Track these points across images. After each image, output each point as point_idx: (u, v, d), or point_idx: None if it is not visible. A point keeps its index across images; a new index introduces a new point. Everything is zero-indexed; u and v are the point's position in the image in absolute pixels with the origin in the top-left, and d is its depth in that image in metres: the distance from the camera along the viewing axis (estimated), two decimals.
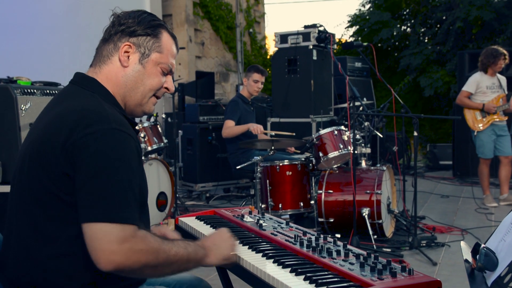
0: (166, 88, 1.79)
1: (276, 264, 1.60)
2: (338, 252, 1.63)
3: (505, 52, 6.15)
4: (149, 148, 5.49)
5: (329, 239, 1.78)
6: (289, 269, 1.54)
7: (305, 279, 1.46)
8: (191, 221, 2.22)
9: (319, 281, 1.42)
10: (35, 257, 1.54)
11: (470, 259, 1.49)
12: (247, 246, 1.79)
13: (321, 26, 6.42)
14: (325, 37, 5.88)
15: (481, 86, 6.17)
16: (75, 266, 1.53)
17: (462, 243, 1.61)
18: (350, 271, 1.47)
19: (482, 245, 1.42)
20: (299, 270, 1.51)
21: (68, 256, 1.53)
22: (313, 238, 1.80)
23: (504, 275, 1.28)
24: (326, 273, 1.50)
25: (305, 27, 6.55)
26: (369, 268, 1.47)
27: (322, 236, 1.81)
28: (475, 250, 1.45)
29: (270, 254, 1.66)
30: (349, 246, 1.68)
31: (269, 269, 1.56)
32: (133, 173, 1.52)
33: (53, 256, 1.53)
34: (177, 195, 5.74)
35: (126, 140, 1.53)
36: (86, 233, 1.43)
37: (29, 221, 1.55)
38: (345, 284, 1.40)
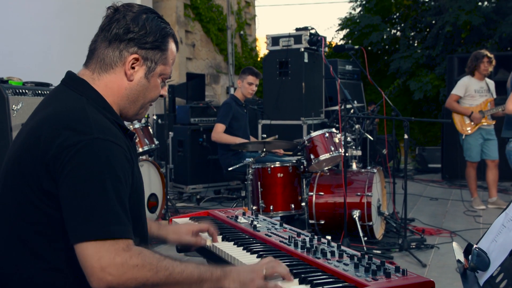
0: (160, 95, 1.74)
1: None
2: (333, 253, 1.64)
3: (488, 54, 6.20)
4: (140, 150, 5.47)
5: (323, 240, 1.80)
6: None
7: (300, 280, 1.48)
8: (185, 222, 2.22)
9: (314, 281, 1.44)
10: (22, 271, 1.48)
11: (462, 259, 1.51)
12: (242, 247, 1.81)
13: (312, 29, 6.45)
14: (317, 40, 5.91)
15: (470, 90, 6.23)
16: (65, 281, 1.47)
17: (454, 244, 1.63)
18: (345, 271, 1.48)
19: (474, 246, 1.44)
20: (294, 270, 1.53)
21: (57, 271, 1.47)
22: (307, 239, 1.81)
23: (496, 275, 1.30)
24: (321, 273, 1.51)
25: (297, 29, 6.58)
26: (364, 268, 1.49)
27: (316, 237, 1.82)
28: (467, 251, 1.47)
29: (265, 255, 1.67)
30: (343, 247, 1.69)
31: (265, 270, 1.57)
32: (121, 184, 1.43)
33: (41, 270, 1.47)
34: (168, 197, 5.73)
35: (111, 150, 1.43)
36: (78, 254, 1.35)
37: (15, 235, 1.48)
38: (340, 285, 1.42)
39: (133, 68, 1.62)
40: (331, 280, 1.46)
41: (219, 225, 2.11)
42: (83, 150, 1.40)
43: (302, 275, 1.49)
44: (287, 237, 1.83)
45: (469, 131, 6.22)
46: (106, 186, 1.39)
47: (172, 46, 1.68)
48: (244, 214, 2.25)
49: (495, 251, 1.40)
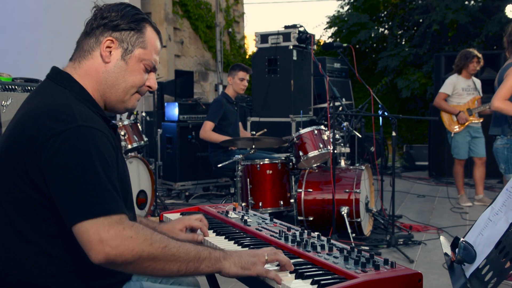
0: (148, 86, 1.73)
1: None
2: (322, 247, 1.67)
3: (478, 54, 6.28)
4: (129, 146, 5.48)
5: (313, 234, 1.83)
6: (276, 263, 1.58)
7: (291, 272, 1.50)
8: (176, 218, 2.24)
9: (305, 274, 1.46)
10: (16, 258, 1.51)
11: (449, 252, 1.54)
12: (233, 241, 1.83)
13: (301, 26, 6.48)
14: (305, 37, 5.94)
15: (457, 88, 6.30)
16: (58, 265, 1.51)
17: (442, 238, 1.67)
18: (335, 264, 1.51)
19: (461, 239, 1.47)
20: None
21: (50, 255, 1.51)
22: (297, 233, 1.83)
23: (482, 267, 1.34)
24: (311, 266, 1.54)
25: (286, 27, 6.61)
26: (353, 261, 1.52)
27: (306, 231, 1.85)
28: (454, 244, 1.51)
29: (256, 248, 1.69)
30: (332, 241, 1.72)
31: None
32: (108, 166, 1.47)
33: (34, 256, 1.50)
34: (157, 194, 5.74)
35: (95, 136, 1.47)
36: (77, 234, 1.39)
37: (7, 223, 1.52)
38: (330, 277, 1.44)
39: (109, 51, 1.65)
40: (322, 272, 1.48)
41: (210, 220, 2.13)
42: (69, 138, 1.43)
43: (293, 267, 1.51)
44: (278, 231, 1.85)
45: (457, 129, 6.29)
46: (96, 168, 1.43)
47: (150, 31, 1.70)
48: (234, 209, 2.27)
49: (481, 244, 1.44)
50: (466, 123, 6.22)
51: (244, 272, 1.49)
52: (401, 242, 4.60)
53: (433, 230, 5.19)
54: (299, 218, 4.85)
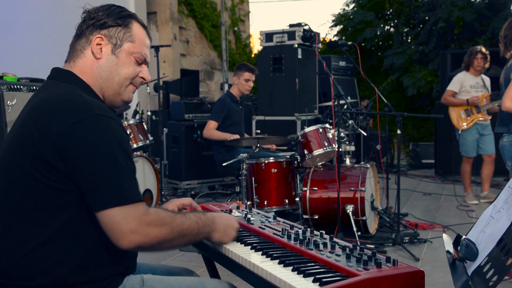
0: (142, 77, 1.80)
1: (265, 256, 1.64)
2: (325, 245, 1.67)
3: (482, 50, 6.24)
4: (135, 145, 5.49)
5: (316, 232, 1.83)
6: (278, 260, 1.58)
7: (293, 270, 1.50)
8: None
9: (307, 271, 1.46)
10: (22, 245, 1.56)
11: (452, 250, 1.54)
12: (236, 239, 1.83)
13: (306, 25, 6.47)
14: (310, 36, 5.93)
15: (465, 85, 6.27)
16: (64, 252, 1.56)
17: (445, 236, 1.67)
18: (337, 262, 1.51)
19: (463, 237, 1.47)
20: (287, 261, 1.55)
21: (56, 242, 1.55)
22: (300, 231, 1.84)
23: (483, 265, 1.34)
24: (313, 264, 1.54)
25: (291, 26, 6.60)
26: (355, 259, 1.52)
27: (308, 229, 1.85)
28: (456, 242, 1.50)
29: (259, 247, 1.70)
30: (335, 239, 1.72)
31: (258, 261, 1.60)
32: (127, 155, 1.57)
33: (42, 243, 1.55)
34: (162, 192, 5.75)
35: (112, 125, 1.56)
36: (103, 220, 1.50)
37: (15, 210, 1.57)
38: (331, 274, 1.44)
39: (100, 48, 1.72)
40: (323, 270, 1.48)
41: None
42: (90, 126, 1.52)
43: (295, 265, 1.51)
44: (281, 230, 1.86)
45: (465, 126, 6.24)
46: (117, 156, 1.53)
47: (137, 26, 1.78)
48: (238, 207, 2.27)
49: (483, 241, 1.43)
50: (475, 120, 6.16)
51: (226, 243, 1.78)
52: (406, 240, 4.59)
53: (439, 228, 5.18)
54: (305, 216, 4.85)
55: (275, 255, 1.62)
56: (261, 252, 1.67)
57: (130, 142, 5.42)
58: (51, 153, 1.51)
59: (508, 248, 1.28)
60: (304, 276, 1.45)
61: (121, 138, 1.57)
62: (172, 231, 1.59)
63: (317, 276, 1.42)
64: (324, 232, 1.81)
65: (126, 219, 1.49)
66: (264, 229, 1.90)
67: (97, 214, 1.51)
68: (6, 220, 1.59)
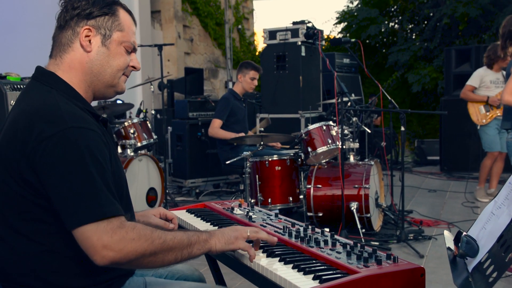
0: (132, 66, 1.75)
1: (266, 254, 1.64)
2: (326, 242, 1.67)
3: None
4: (139, 144, 5.50)
5: (317, 229, 1.83)
6: (278, 258, 1.59)
7: (293, 268, 1.51)
8: (181, 214, 2.25)
9: (307, 269, 1.47)
10: (19, 256, 1.54)
11: (452, 247, 1.54)
12: None
13: (309, 22, 6.46)
14: (313, 33, 5.92)
15: (485, 81, 6.20)
16: (61, 260, 1.54)
17: (446, 232, 1.66)
18: (337, 259, 1.51)
19: (464, 233, 1.47)
20: (288, 259, 1.56)
21: (52, 252, 1.53)
22: (301, 229, 1.84)
23: (484, 261, 1.33)
24: (314, 261, 1.54)
25: (294, 23, 6.59)
26: (356, 256, 1.52)
27: (310, 227, 1.85)
28: (457, 238, 1.50)
29: (260, 244, 1.70)
30: (336, 236, 1.72)
31: (259, 259, 1.60)
32: (102, 167, 1.49)
33: (36, 254, 1.53)
34: (167, 191, 5.76)
35: (87, 136, 1.49)
36: (78, 238, 1.43)
37: (6, 224, 1.54)
38: (331, 272, 1.44)
39: (89, 40, 1.65)
40: (324, 267, 1.49)
41: (215, 217, 2.14)
42: (61, 141, 1.45)
43: (296, 263, 1.52)
44: (282, 227, 1.86)
45: (485, 122, 6.17)
46: (90, 170, 1.45)
47: (123, 13, 1.71)
48: (240, 205, 2.27)
49: (484, 238, 1.43)
50: (494, 115, 6.08)
51: (229, 247, 1.60)
52: (411, 237, 4.58)
53: (444, 224, 5.16)
54: (309, 214, 4.85)
55: (276, 252, 1.63)
56: (261, 250, 1.67)
57: (134, 141, 5.42)
58: (26, 169, 1.47)
59: (508, 245, 1.27)
60: (304, 274, 1.45)
61: (96, 149, 1.50)
62: (151, 244, 1.46)
63: (317, 274, 1.43)
64: (326, 229, 1.81)
65: (98, 234, 1.41)
66: (265, 227, 1.90)
67: (72, 233, 1.44)
68: (1, 232, 1.57)
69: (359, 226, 4.54)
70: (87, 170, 1.45)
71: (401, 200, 4.66)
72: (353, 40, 5.50)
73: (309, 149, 4.87)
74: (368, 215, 4.64)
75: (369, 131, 6.34)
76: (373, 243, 4.44)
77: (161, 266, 1.59)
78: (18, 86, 3.41)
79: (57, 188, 1.44)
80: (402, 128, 4.62)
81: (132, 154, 5.33)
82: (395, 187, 5.46)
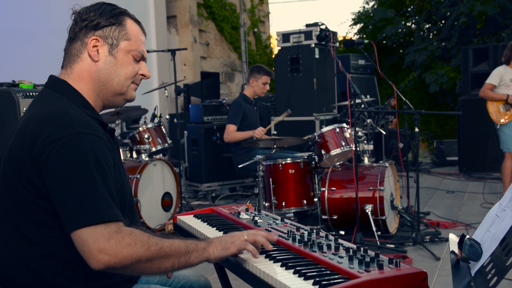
0: (142, 74, 1.77)
1: (268, 259, 1.63)
2: (329, 246, 1.66)
3: None
4: (153, 149, 5.53)
5: (321, 233, 1.81)
6: (280, 263, 1.57)
7: (294, 273, 1.49)
8: (189, 219, 2.25)
9: (308, 274, 1.45)
10: (22, 259, 1.56)
11: (456, 250, 1.51)
12: None
13: (322, 24, 6.44)
14: (325, 35, 5.89)
15: (505, 79, 6.09)
16: (62, 264, 1.56)
17: (451, 235, 1.63)
18: (339, 264, 1.50)
19: (467, 237, 1.44)
20: (289, 264, 1.54)
21: (54, 256, 1.56)
22: (305, 233, 1.82)
23: (486, 264, 1.31)
24: (315, 266, 1.53)
25: (307, 25, 6.57)
26: (357, 261, 1.50)
27: (314, 231, 1.84)
28: (461, 242, 1.47)
29: (262, 249, 1.69)
30: (340, 241, 1.70)
31: (260, 264, 1.59)
32: (105, 172, 1.52)
33: (39, 257, 1.55)
34: (182, 195, 5.78)
35: (93, 142, 1.52)
36: (75, 240, 1.45)
37: (11, 226, 1.57)
38: (332, 277, 1.43)
39: (96, 50, 1.69)
40: (325, 272, 1.47)
41: (221, 222, 2.14)
42: (67, 145, 1.49)
43: (297, 268, 1.50)
44: (286, 232, 1.85)
45: (504, 121, 6.04)
46: (93, 175, 1.48)
47: (130, 23, 1.74)
48: (247, 210, 2.27)
49: (487, 241, 1.40)
50: None
51: (226, 252, 1.60)
52: (427, 240, 4.53)
53: (461, 226, 5.09)
54: (323, 217, 4.82)
55: (278, 257, 1.62)
56: (264, 255, 1.66)
57: (149, 146, 5.44)
58: (32, 172, 1.50)
59: (510, 248, 1.25)
60: (304, 279, 1.44)
61: (101, 154, 1.53)
62: (148, 250, 1.47)
63: (317, 279, 1.41)
64: (341, 235, 1.80)
65: (94, 238, 1.43)
66: (270, 231, 1.89)
67: (70, 236, 1.46)
68: (4, 235, 1.60)
69: (374, 229, 4.50)
70: (89, 174, 1.47)
71: (416, 201, 4.61)
72: (366, 41, 5.46)
73: (323, 152, 4.85)
74: (383, 217, 4.59)
75: (384, 133, 6.29)
76: (388, 245, 4.39)
77: (158, 273, 1.59)
78: (31, 93, 3.45)
79: (58, 190, 1.47)
80: (416, 129, 4.58)
81: (147, 159, 5.35)
82: (412, 189, 5.40)
